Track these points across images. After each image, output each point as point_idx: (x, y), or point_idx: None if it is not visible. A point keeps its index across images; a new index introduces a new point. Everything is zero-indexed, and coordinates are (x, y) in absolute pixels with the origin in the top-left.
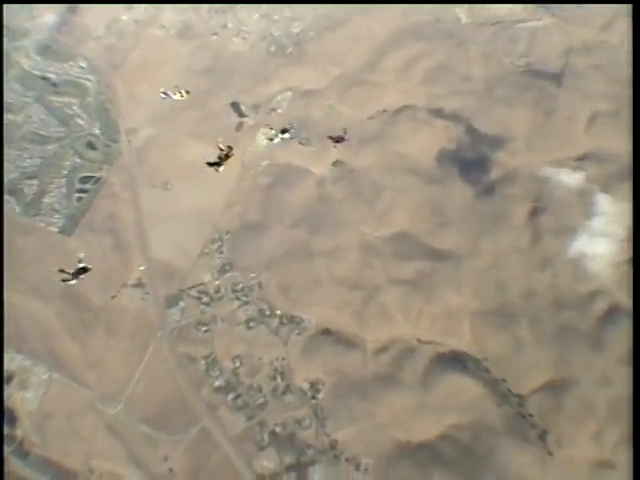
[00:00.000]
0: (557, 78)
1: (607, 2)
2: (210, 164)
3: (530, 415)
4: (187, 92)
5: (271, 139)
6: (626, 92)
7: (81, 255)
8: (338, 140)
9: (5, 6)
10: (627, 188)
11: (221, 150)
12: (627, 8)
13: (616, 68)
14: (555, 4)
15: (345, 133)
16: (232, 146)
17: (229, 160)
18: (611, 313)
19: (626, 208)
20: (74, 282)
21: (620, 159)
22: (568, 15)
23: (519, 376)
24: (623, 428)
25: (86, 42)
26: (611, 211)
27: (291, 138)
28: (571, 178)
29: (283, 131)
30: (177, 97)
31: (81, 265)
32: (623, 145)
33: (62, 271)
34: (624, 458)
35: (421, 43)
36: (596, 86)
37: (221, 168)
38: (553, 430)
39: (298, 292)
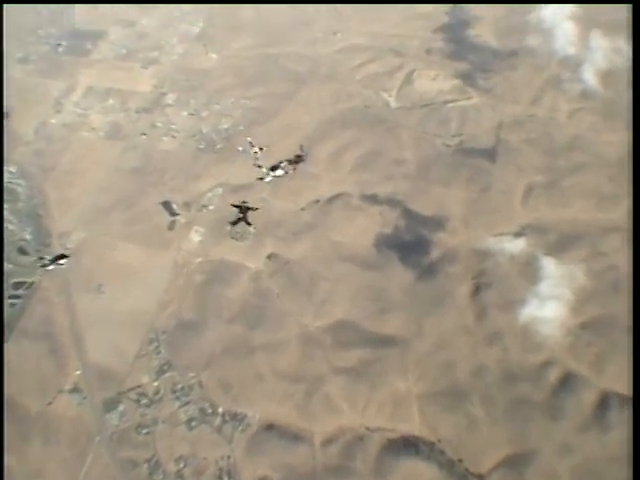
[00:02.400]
0: (490, 154)
1: (607, 2)
2: (234, 223)
3: None
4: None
5: (261, 178)
6: (560, 162)
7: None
8: (297, 161)
9: None
10: (571, 253)
11: (236, 207)
12: (554, 84)
13: (547, 140)
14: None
15: (303, 151)
16: (246, 201)
17: (251, 212)
18: (565, 381)
19: (573, 271)
20: (52, 267)
21: (560, 227)
22: (497, 92)
23: (476, 455)
24: None
25: (16, 147)
26: (558, 274)
27: (285, 173)
28: (513, 245)
29: (273, 168)
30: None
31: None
32: (561, 214)
33: (40, 258)
34: None
35: (351, 130)
36: (529, 159)
37: (251, 226)
38: None
39: (239, 388)
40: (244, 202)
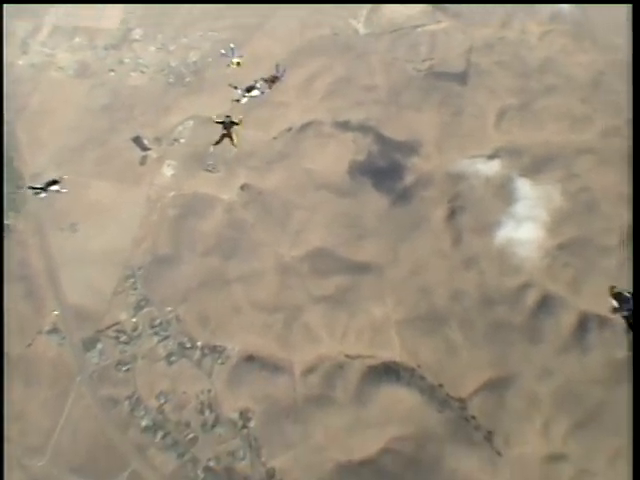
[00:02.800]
0: (462, 78)
1: (607, 2)
2: (217, 142)
3: (473, 417)
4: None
5: (237, 100)
6: (532, 84)
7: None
8: (273, 80)
9: None
10: (545, 174)
11: (219, 123)
12: (524, 6)
13: (518, 62)
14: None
15: (278, 71)
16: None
17: (236, 128)
18: (543, 303)
19: (548, 191)
20: (44, 195)
21: (533, 150)
22: (467, 16)
23: (456, 379)
24: (570, 418)
25: None
26: (533, 195)
27: (262, 93)
28: (487, 167)
29: (249, 89)
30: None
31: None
32: (534, 136)
33: (32, 187)
34: (575, 448)
35: (320, 58)
36: (501, 82)
37: (234, 139)
38: (499, 430)
39: (218, 321)
40: (227, 116)
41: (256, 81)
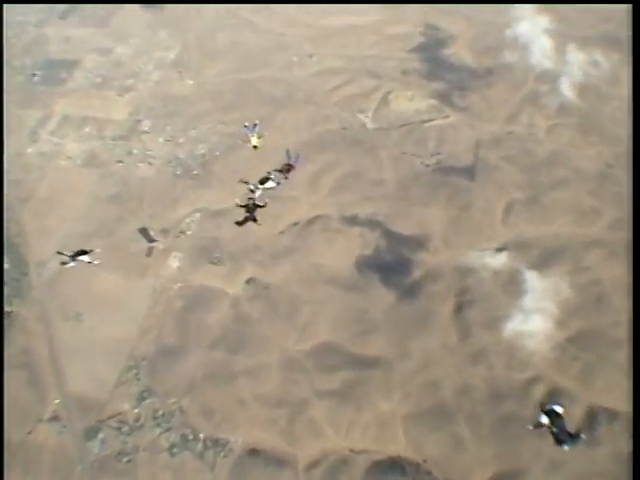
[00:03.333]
0: (469, 172)
1: (607, 2)
2: (240, 223)
3: None
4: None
5: (252, 191)
6: (539, 178)
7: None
8: (288, 170)
9: None
10: (554, 267)
11: (242, 207)
12: (531, 100)
13: (526, 156)
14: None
15: (290, 158)
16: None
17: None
18: (552, 397)
19: (557, 284)
20: (72, 264)
21: (542, 243)
22: (474, 111)
23: (463, 474)
24: None
25: None
26: (541, 287)
27: (277, 184)
28: (495, 260)
29: (262, 181)
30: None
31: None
32: (543, 230)
33: (60, 253)
34: None
35: (328, 153)
36: (509, 176)
37: (258, 219)
38: None
39: (222, 414)
40: (250, 199)
41: (269, 172)
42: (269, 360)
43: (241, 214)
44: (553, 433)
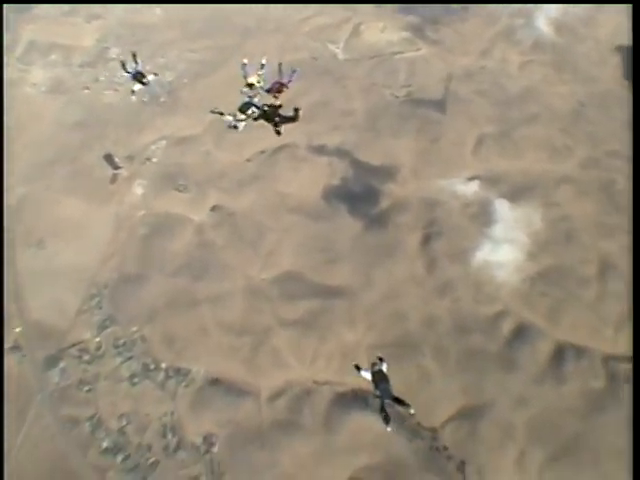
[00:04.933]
0: (440, 105)
1: (607, 2)
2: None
3: (445, 447)
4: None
5: (234, 127)
6: (511, 113)
7: None
8: (279, 90)
9: None
10: (524, 200)
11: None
12: (505, 36)
13: (498, 91)
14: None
15: (283, 73)
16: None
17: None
18: (519, 332)
19: (529, 214)
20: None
21: (512, 178)
22: (447, 44)
23: (428, 407)
24: (546, 450)
25: None
26: (512, 217)
27: (262, 110)
28: (466, 187)
29: (243, 109)
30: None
31: None
32: (513, 165)
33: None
34: None
35: (298, 82)
36: (480, 110)
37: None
38: (472, 460)
39: (183, 343)
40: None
41: (251, 97)
42: (233, 288)
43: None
44: (378, 396)
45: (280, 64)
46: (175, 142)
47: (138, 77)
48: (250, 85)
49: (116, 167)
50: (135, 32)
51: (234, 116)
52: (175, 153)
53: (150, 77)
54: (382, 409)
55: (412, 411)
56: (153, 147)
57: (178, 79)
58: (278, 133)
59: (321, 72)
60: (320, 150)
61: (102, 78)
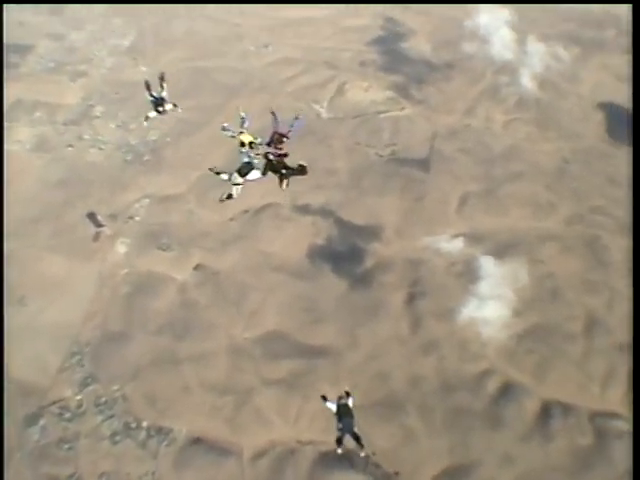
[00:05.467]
0: (424, 164)
1: (607, 2)
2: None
3: None
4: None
5: (237, 184)
6: (496, 171)
7: None
8: (280, 141)
9: None
10: (509, 256)
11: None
12: (489, 94)
13: (483, 149)
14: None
15: (278, 122)
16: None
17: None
18: (505, 390)
19: (513, 269)
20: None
21: (496, 236)
22: (431, 103)
23: (414, 467)
24: None
25: None
26: (498, 273)
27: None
28: (451, 245)
29: (241, 171)
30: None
31: None
32: (498, 222)
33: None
34: None
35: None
36: (464, 168)
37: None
38: None
39: (166, 402)
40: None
41: (251, 157)
42: (216, 347)
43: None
44: (339, 429)
45: (273, 112)
46: (158, 201)
47: (159, 103)
48: (250, 144)
49: (99, 225)
50: (120, 90)
51: (230, 175)
52: (158, 212)
53: (168, 107)
54: (339, 440)
55: (363, 454)
56: (136, 206)
57: (162, 138)
58: (284, 184)
59: (305, 132)
60: (304, 209)
61: (86, 136)
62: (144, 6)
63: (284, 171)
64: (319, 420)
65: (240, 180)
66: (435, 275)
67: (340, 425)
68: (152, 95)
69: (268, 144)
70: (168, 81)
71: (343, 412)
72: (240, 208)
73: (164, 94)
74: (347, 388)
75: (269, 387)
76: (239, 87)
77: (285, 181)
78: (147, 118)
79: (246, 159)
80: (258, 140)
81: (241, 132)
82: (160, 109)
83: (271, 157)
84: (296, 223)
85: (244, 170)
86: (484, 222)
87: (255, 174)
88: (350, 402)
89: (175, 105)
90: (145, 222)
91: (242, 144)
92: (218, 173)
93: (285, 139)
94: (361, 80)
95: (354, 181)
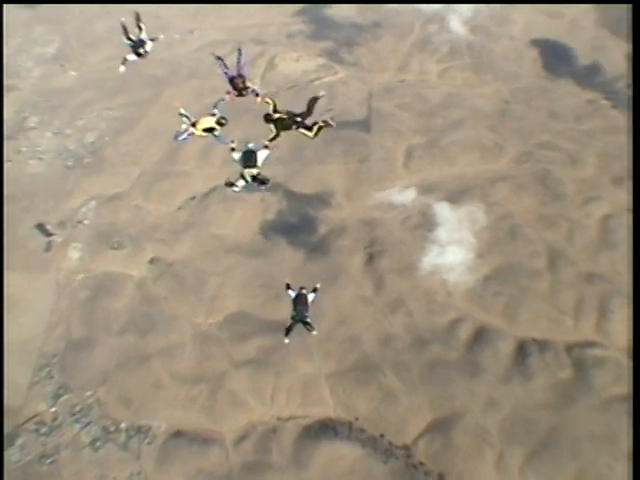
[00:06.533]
0: (364, 124)
1: (607, 2)
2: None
3: (421, 463)
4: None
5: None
6: (437, 121)
7: None
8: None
9: None
10: (464, 202)
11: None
12: (420, 47)
13: (421, 102)
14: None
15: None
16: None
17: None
18: (478, 335)
19: (470, 212)
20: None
21: (447, 185)
22: (363, 64)
23: (398, 426)
24: (524, 448)
25: None
26: (454, 218)
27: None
28: (402, 197)
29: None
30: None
31: None
32: (446, 171)
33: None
34: (534, 478)
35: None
36: (405, 123)
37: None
38: (451, 471)
39: (140, 400)
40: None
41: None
42: (181, 337)
43: (137, 195)
44: (292, 317)
45: (219, 57)
46: (105, 201)
47: (138, 45)
48: (219, 123)
49: (49, 234)
50: (51, 98)
51: (244, 178)
52: (106, 212)
53: (149, 47)
54: (289, 329)
55: (314, 332)
56: (83, 209)
57: (100, 138)
58: (313, 133)
59: (241, 110)
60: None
61: (24, 149)
62: (64, 11)
63: (299, 121)
64: (296, 394)
65: (254, 171)
66: (391, 231)
67: (294, 313)
68: (129, 38)
69: (237, 91)
70: (99, 81)
71: (299, 301)
72: (186, 196)
73: (143, 35)
74: (318, 285)
75: (240, 369)
76: (169, 77)
77: (311, 131)
78: (125, 61)
79: (236, 154)
80: (218, 115)
81: (194, 123)
82: (141, 51)
83: (276, 116)
84: (244, 202)
85: (250, 161)
86: (433, 173)
87: (263, 154)
88: (311, 297)
89: (153, 39)
90: (94, 224)
91: (218, 124)
92: (232, 184)
93: (244, 77)
94: (291, 51)
95: (296, 152)
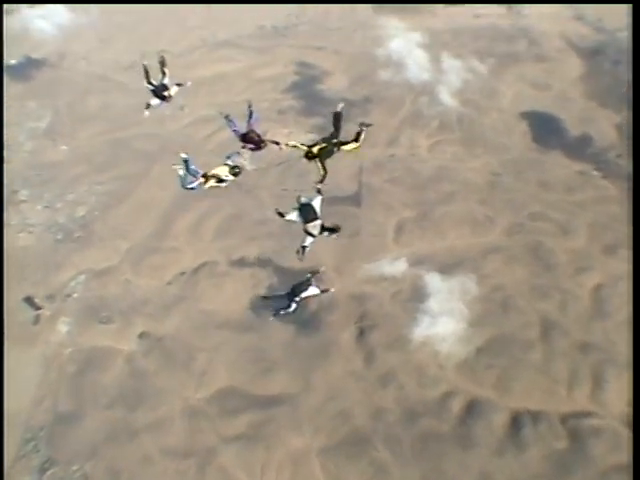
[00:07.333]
0: (355, 199)
1: (607, 2)
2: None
3: None
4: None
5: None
6: (427, 194)
7: None
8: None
9: None
10: (454, 273)
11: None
12: (410, 121)
13: (411, 176)
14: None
15: (232, 122)
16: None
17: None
18: (471, 408)
19: (461, 283)
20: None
21: (438, 258)
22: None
23: None
24: None
25: None
26: (445, 288)
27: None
28: (393, 267)
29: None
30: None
31: None
32: (437, 244)
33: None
34: None
35: (207, 199)
36: (395, 197)
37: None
38: None
39: (128, 474)
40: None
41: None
42: (170, 412)
43: (127, 269)
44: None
45: (227, 116)
46: (94, 275)
47: (161, 90)
48: (233, 172)
49: (37, 308)
50: (42, 172)
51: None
52: (95, 286)
53: (174, 91)
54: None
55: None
56: (72, 283)
57: (90, 212)
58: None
59: (230, 186)
60: (240, 263)
61: (13, 222)
62: (57, 83)
63: (336, 145)
64: (285, 470)
65: (318, 222)
66: (381, 305)
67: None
68: (150, 83)
69: (253, 144)
70: (90, 155)
71: (307, 213)
72: (176, 271)
73: (166, 80)
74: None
75: (230, 444)
76: (159, 152)
77: (357, 142)
78: (148, 106)
79: (293, 213)
80: (231, 164)
81: (204, 174)
82: (165, 94)
83: (307, 150)
84: (234, 277)
85: (310, 214)
86: (423, 246)
87: (317, 202)
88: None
89: (180, 84)
90: (83, 298)
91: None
92: (282, 215)
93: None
94: (281, 127)
95: (286, 227)
